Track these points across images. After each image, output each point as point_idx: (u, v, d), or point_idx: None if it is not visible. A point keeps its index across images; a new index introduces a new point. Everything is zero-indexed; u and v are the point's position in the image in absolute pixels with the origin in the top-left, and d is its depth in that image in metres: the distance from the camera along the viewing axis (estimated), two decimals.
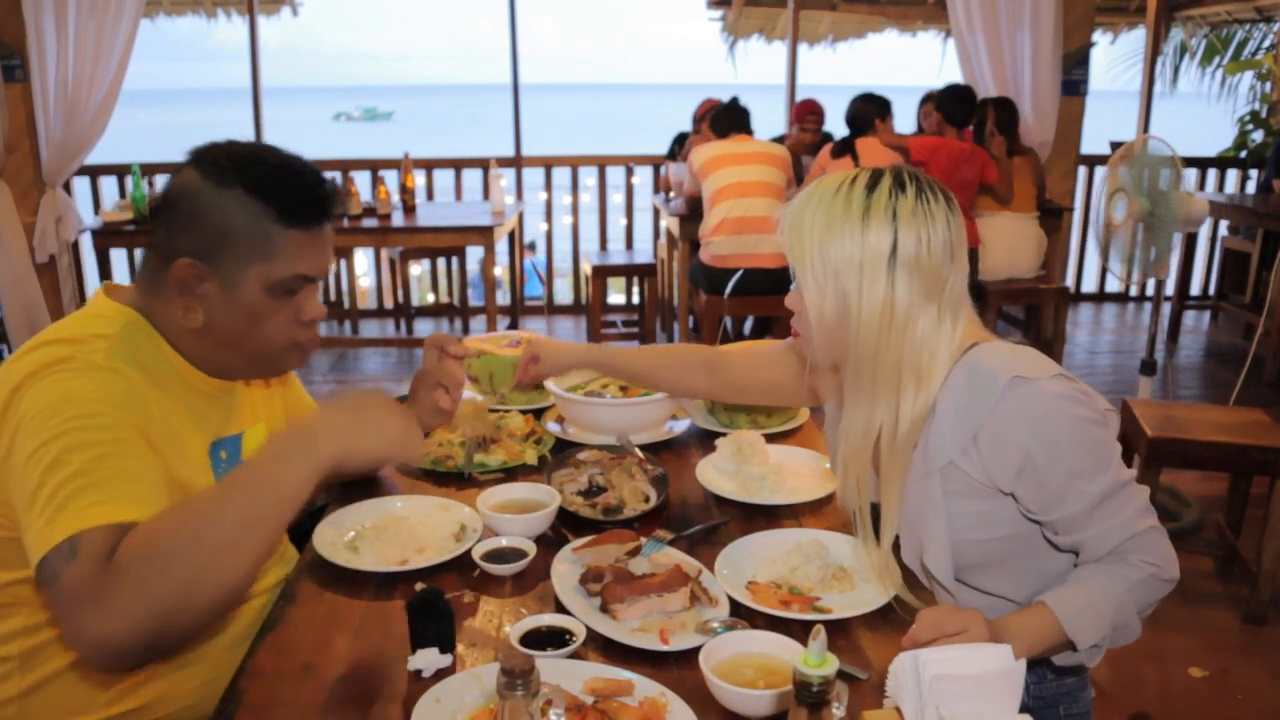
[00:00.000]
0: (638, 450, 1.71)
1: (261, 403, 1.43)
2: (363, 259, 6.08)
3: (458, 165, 6.00)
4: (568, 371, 1.74)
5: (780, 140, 5.13)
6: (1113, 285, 6.37)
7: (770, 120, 4.57)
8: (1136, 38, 7.89)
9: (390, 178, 5.20)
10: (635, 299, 5.87)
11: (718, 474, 1.65)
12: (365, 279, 6.19)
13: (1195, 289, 6.17)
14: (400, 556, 1.38)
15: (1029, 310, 5.09)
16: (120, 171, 5.48)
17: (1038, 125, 5.28)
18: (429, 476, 1.70)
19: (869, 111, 4.40)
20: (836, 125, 5.20)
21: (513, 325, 5.79)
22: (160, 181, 4.99)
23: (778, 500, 1.57)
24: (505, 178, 5.14)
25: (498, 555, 1.39)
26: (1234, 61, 7.88)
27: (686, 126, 5.46)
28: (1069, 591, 1.18)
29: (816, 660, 0.84)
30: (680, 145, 5.39)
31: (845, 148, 4.39)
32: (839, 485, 1.37)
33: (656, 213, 5.78)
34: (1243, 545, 2.91)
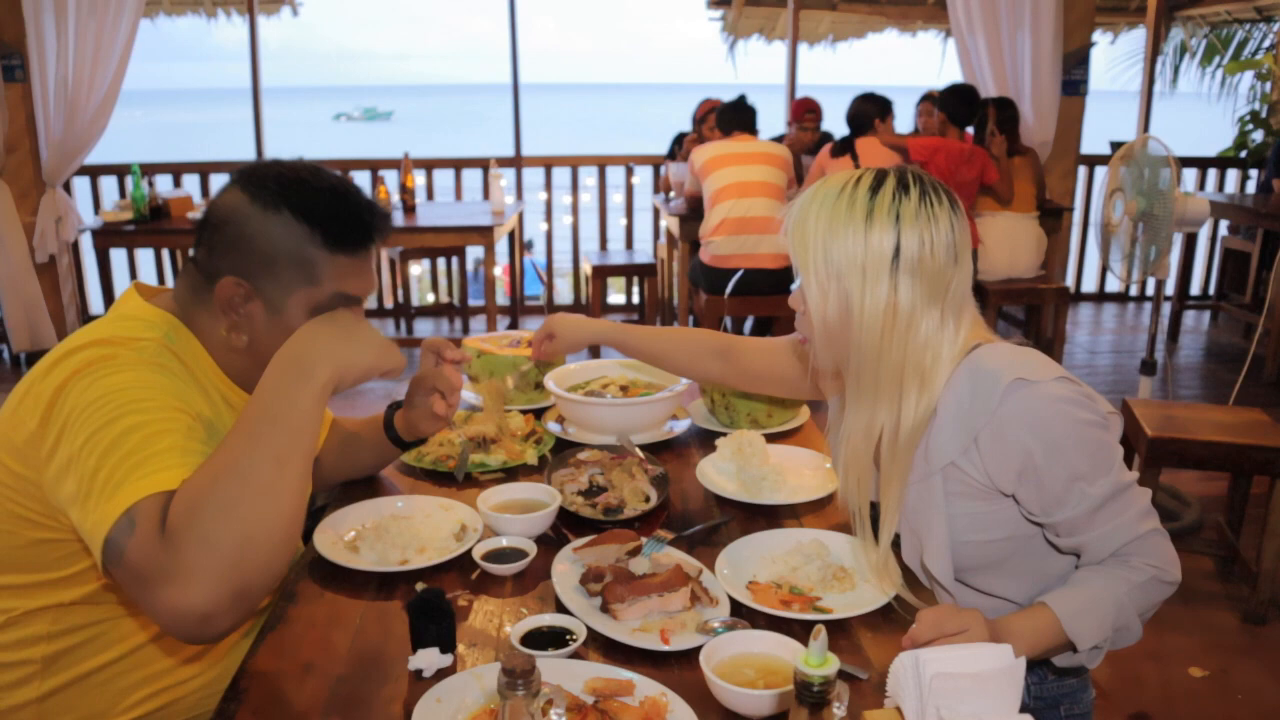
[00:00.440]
0: (638, 450, 1.71)
1: None
2: None
3: (458, 165, 6.01)
4: (583, 348, 1.74)
5: (780, 140, 5.13)
6: (1113, 285, 6.37)
7: (770, 120, 4.57)
8: (1136, 38, 7.89)
9: (390, 178, 5.21)
10: (635, 299, 5.87)
11: (718, 474, 1.65)
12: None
13: (1195, 289, 6.18)
14: (400, 556, 1.38)
15: (1029, 310, 5.09)
16: (120, 171, 5.48)
17: (1038, 125, 5.28)
18: (429, 476, 1.70)
19: (869, 111, 4.40)
20: (836, 125, 5.20)
21: (513, 325, 5.79)
22: (160, 182, 5.00)
23: (778, 500, 1.57)
24: (505, 178, 5.15)
25: (498, 555, 1.39)
26: (1234, 61, 7.88)
27: (686, 126, 5.46)
28: (1070, 592, 1.18)
29: (817, 660, 0.84)
30: (680, 145, 5.40)
31: (845, 147, 4.39)
32: (840, 484, 1.37)
33: (656, 213, 5.78)
34: (1243, 545, 2.91)
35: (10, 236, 4.79)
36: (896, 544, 1.31)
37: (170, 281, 5.62)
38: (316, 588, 1.33)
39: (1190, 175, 6.26)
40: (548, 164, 6.00)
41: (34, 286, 4.90)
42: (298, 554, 1.46)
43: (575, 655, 1.16)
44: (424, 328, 5.94)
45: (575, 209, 6.01)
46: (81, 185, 5.49)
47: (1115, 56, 8.50)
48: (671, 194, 5.18)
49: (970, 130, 4.71)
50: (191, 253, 1.26)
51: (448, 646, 1.16)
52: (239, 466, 1.02)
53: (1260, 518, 2.74)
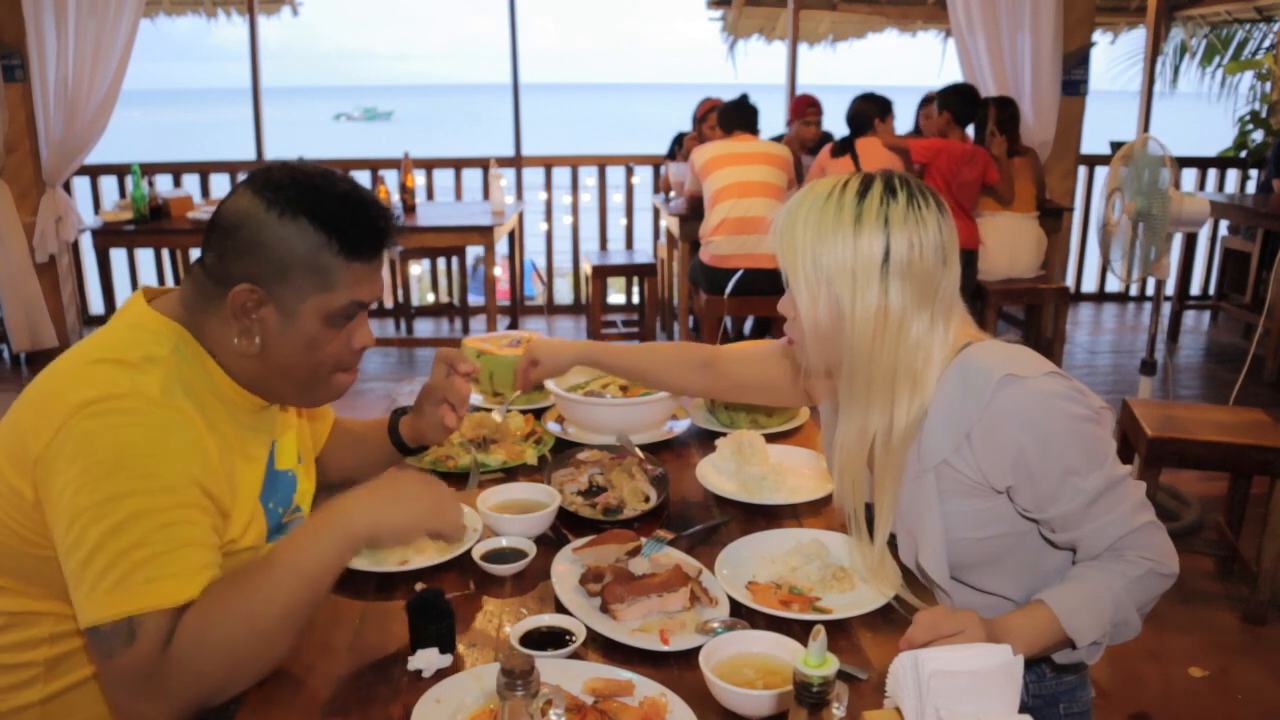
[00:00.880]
0: (638, 450, 1.71)
1: (290, 408, 1.41)
2: None
3: (458, 165, 6.01)
4: (567, 371, 1.74)
5: (780, 139, 5.13)
6: (1113, 285, 6.37)
7: (770, 120, 4.57)
8: (1136, 38, 7.89)
9: (390, 177, 5.21)
10: (635, 299, 5.87)
11: (718, 474, 1.65)
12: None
13: (1195, 289, 6.18)
14: (400, 556, 1.38)
15: (1029, 310, 5.09)
16: (120, 171, 5.48)
17: (1038, 125, 5.28)
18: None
19: (869, 111, 4.39)
20: (836, 125, 5.19)
21: (513, 325, 5.79)
22: (160, 182, 5.01)
23: (778, 500, 1.57)
24: (505, 177, 5.15)
25: (498, 555, 1.39)
26: (1234, 61, 7.88)
27: (686, 126, 5.46)
28: (1067, 589, 1.18)
29: (816, 660, 0.84)
30: (680, 145, 5.39)
31: (845, 148, 4.39)
32: (835, 486, 1.37)
33: (656, 213, 5.78)
34: (1243, 545, 2.91)
35: (10, 236, 4.79)
36: (894, 543, 1.31)
37: (171, 281, 5.62)
38: None
39: (1190, 175, 6.26)
40: (548, 164, 6.00)
41: (34, 286, 4.90)
42: None
43: (575, 655, 1.16)
44: (424, 327, 5.94)
45: (575, 209, 6.01)
46: (81, 185, 5.49)
47: (1115, 56, 8.51)
48: (671, 194, 5.18)
49: (970, 130, 4.71)
50: (197, 257, 1.23)
51: (447, 647, 1.16)
52: (253, 609, 1.06)
53: (1260, 518, 2.74)
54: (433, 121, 42.67)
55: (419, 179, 5.65)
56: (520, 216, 5.57)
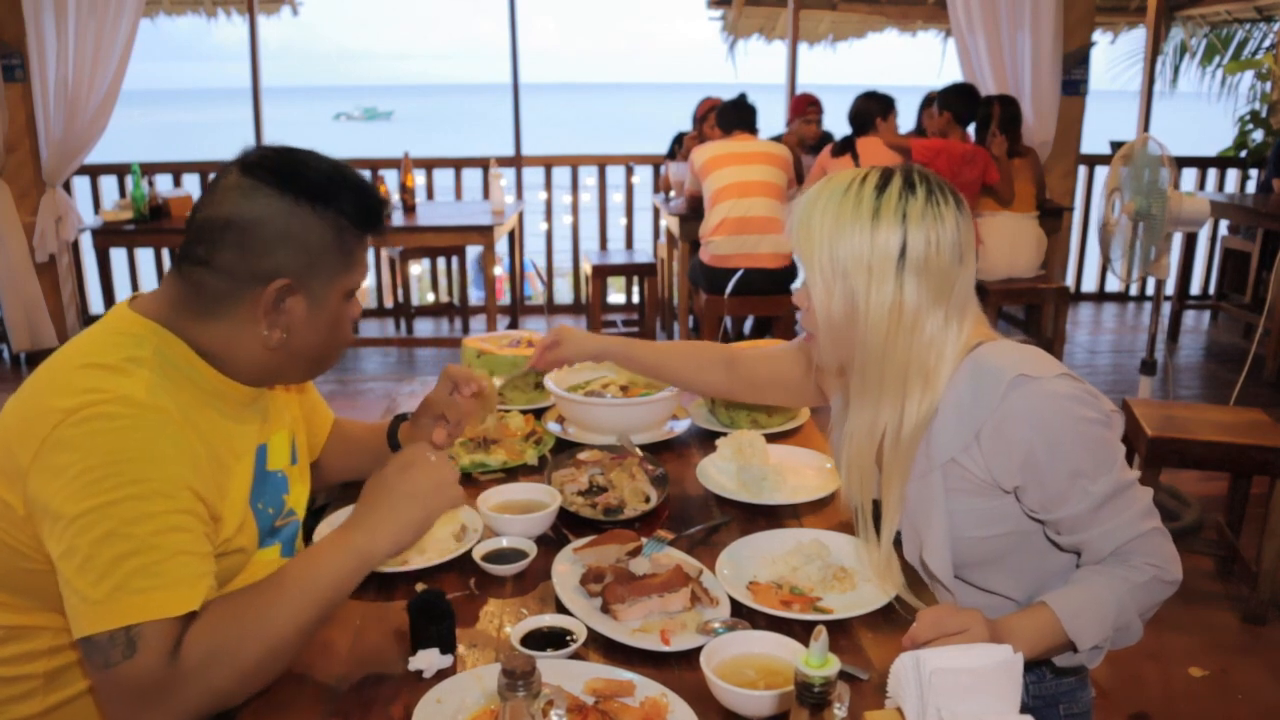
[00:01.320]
0: (638, 450, 1.71)
1: (283, 409, 1.40)
2: None
3: (458, 165, 6.01)
4: (586, 360, 1.73)
5: (780, 139, 5.13)
6: (1113, 285, 6.37)
7: (770, 120, 4.57)
8: (1136, 38, 7.89)
9: (390, 177, 5.20)
10: (635, 299, 5.87)
11: (718, 474, 1.65)
12: (365, 279, 6.19)
13: (1195, 289, 6.17)
14: (401, 556, 1.38)
15: (1029, 310, 5.09)
16: (120, 171, 5.47)
17: (1038, 125, 5.28)
18: None
19: (871, 110, 4.39)
20: (836, 125, 5.19)
21: (513, 325, 5.79)
22: (160, 181, 5.00)
23: (778, 500, 1.57)
24: (505, 177, 5.14)
25: (498, 556, 1.39)
26: (1234, 61, 7.88)
27: (686, 126, 5.46)
28: (1071, 592, 1.18)
29: (818, 661, 0.84)
30: (680, 145, 5.39)
31: (846, 147, 4.39)
32: (842, 483, 1.36)
33: (656, 213, 5.78)
34: (1243, 545, 2.91)
35: (10, 236, 4.78)
36: (898, 542, 1.31)
37: None
38: None
39: (1190, 175, 6.26)
40: (548, 164, 6.00)
41: (34, 286, 4.89)
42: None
43: (575, 656, 1.16)
44: (424, 327, 5.93)
45: (575, 209, 6.01)
46: (81, 185, 5.48)
47: (1115, 56, 8.51)
48: (671, 194, 5.18)
49: (971, 129, 4.71)
50: (188, 258, 1.18)
51: (448, 647, 1.16)
52: (261, 625, 1.07)
53: (1260, 518, 2.74)
54: (433, 121, 42.66)
55: (419, 179, 5.65)
56: (520, 216, 5.57)
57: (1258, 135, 6.52)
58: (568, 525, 1.51)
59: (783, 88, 6.08)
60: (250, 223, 1.15)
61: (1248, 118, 6.65)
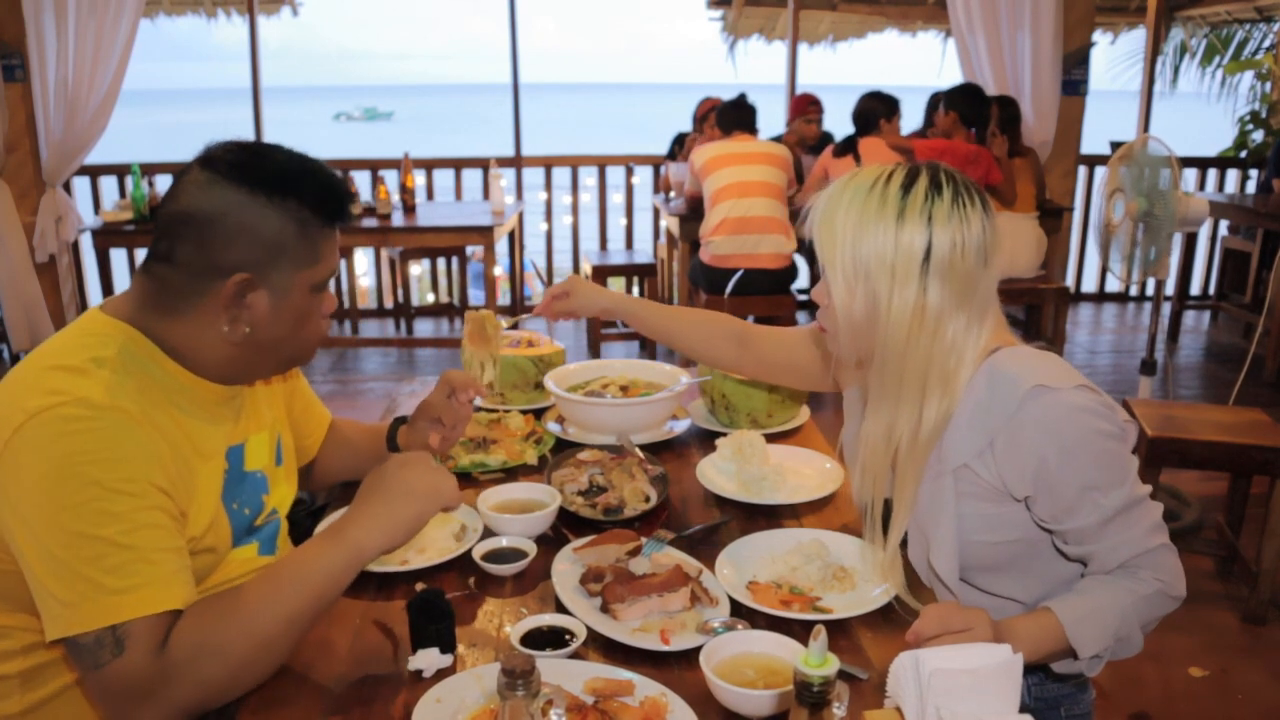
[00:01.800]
0: (638, 450, 1.71)
1: (264, 409, 1.39)
2: (363, 259, 6.09)
3: (458, 165, 6.00)
4: (594, 313, 1.72)
5: (780, 139, 5.13)
6: (1113, 285, 6.37)
7: (770, 120, 4.57)
8: (1136, 38, 7.89)
9: (390, 177, 5.20)
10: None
11: (718, 474, 1.65)
12: (365, 279, 6.20)
13: (1195, 289, 6.18)
14: (400, 556, 1.38)
15: (1029, 310, 5.09)
16: (120, 171, 5.48)
17: (1038, 125, 5.28)
18: None
19: (875, 109, 4.39)
20: (836, 125, 5.19)
21: (513, 326, 5.78)
22: (161, 181, 5.00)
23: (778, 500, 1.57)
24: (505, 178, 5.14)
25: (498, 555, 1.39)
26: (1234, 61, 7.88)
27: (686, 126, 5.46)
28: (1075, 599, 1.18)
29: (817, 660, 0.84)
30: (680, 145, 5.39)
31: (848, 147, 4.39)
32: (854, 482, 1.36)
33: (656, 213, 5.79)
34: (1243, 545, 2.91)
35: (10, 236, 4.78)
36: (904, 543, 1.30)
37: None
38: None
39: (1190, 175, 6.26)
40: (548, 164, 6.00)
41: (34, 286, 4.89)
42: None
43: (575, 655, 1.16)
44: (424, 327, 5.93)
45: (575, 209, 6.01)
46: (81, 185, 5.48)
47: (1115, 56, 8.51)
48: (671, 194, 5.18)
49: (972, 130, 4.71)
50: (152, 255, 1.18)
51: (448, 647, 1.16)
52: (252, 618, 1.07)
53: (1260, 518, 2.74)
54: (433, 121, 42.66)
55: (419, 179, 5.65)
56: (520, 216, 5.57)
57: (1258, 135, 6.52)
58: (567, 525, 1.51)
59: (783, 88, 6.08)
60: (208, 216, 1.14)
61: (1248, 118, 6.65)
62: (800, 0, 6.27)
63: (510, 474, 1.71)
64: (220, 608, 1.07)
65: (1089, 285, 6.42)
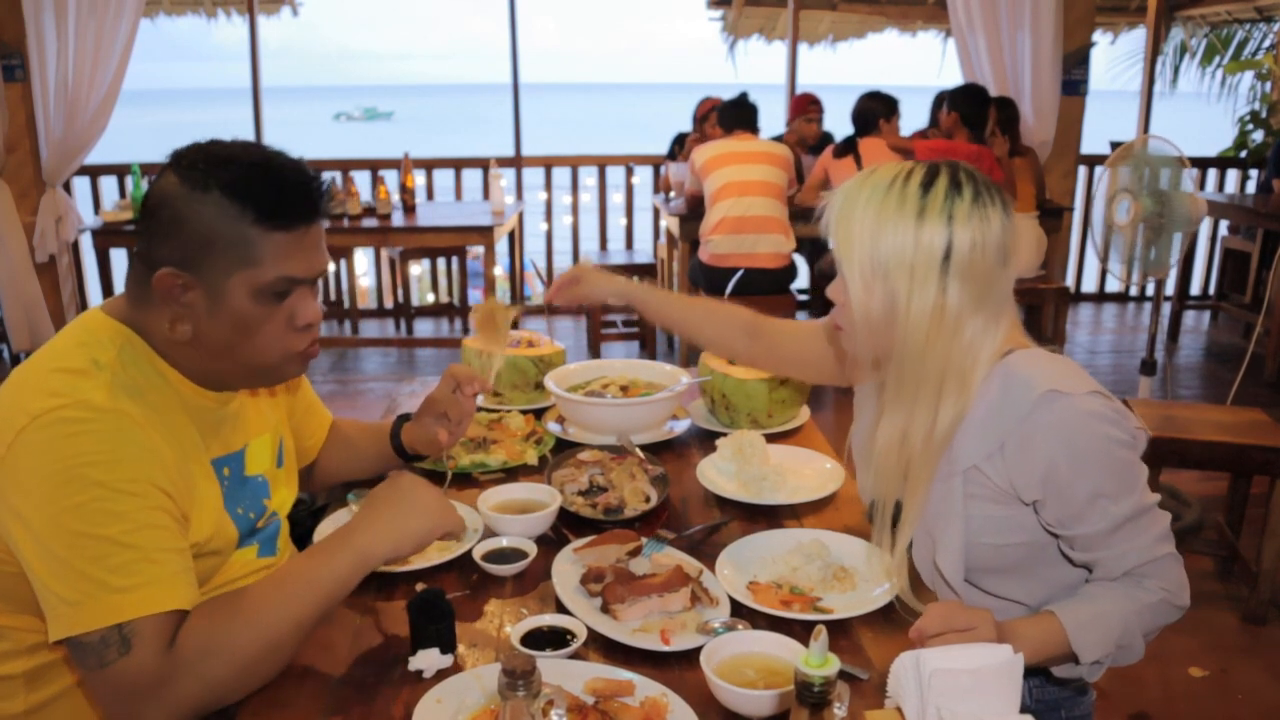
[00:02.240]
0: (638, 450, 1.71)
1: (267, 411, 1.38)
2: (363, 259, 6.09)
3: (458, 165, 6.01)
4: (603, 299, 1.69)
5: (780, 139, 5.13)
6: (1113, 285, 6.37)
7: (770, 120, 4.57)
8: (1136, 38, 7.89)
9: (390, 177, 5.20)
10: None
11: (718, 474, 1.65)
12: (365, 279, 6.20)
13: (1195, 289, 6.18)
14: None
15: (1029, 310, 5.08)
16: (120, 171, 5.48)
17: (1038, 125, 5.28)
18: (429, 477, 1.70)
19: (875, 110, 4.38)
20: (836, 125, 5.18)
21: (513, 325, 5.78)
22: None
23: (778, 500, 1.57)
24: (505, 178, 5.14)
25: (498, 556, 1.39)
26: (1234, 61, 7.88)
27: (686, 126, 5.46)
28: (1079, 605, 1.17)
29: (818, 660, 0.84)
30: (680, 145, 5.39)
31: (848, 148, 4.39)
32: (860, 478, 1.35)
33: (656, 213, 5.79)
34: (1243, 545, 2.91)
35: (10, 236, 4.78)
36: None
37: None
38: None
39: (1190, 175, 6.25)
40: (548, 164, 6.00)
41: (34, 286, 4.89)
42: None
43: (575, 656, 1.16)
44: (424, 327, 5.93)
45: (575, 209, 6.01)
46: (81, 185, 5.48)
47: (1115, 56, 8.51)
48: (671, 194, 5.18)
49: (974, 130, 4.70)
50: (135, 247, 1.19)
51: (448, 647, 1.16)
52: (259, 619, 1.07)
53: (1260, 518, 2.74)
54: (433, 121, 42.65)
55: (419, 179, 5.65)
56: (520, 216, 5.57)
57: (1258, 135, 6.53)
58: (568, 525, 1.51)
59: (783, 88, 6.08)
60: (152, 207, 1.14)
61: (1248, 118, 6.65)
62: (800, 0, 6.27)
63: (510, 474, 1.71)
64: (228, 608, 1.08)
65: (1089, 285, 6.42)
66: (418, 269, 6.00)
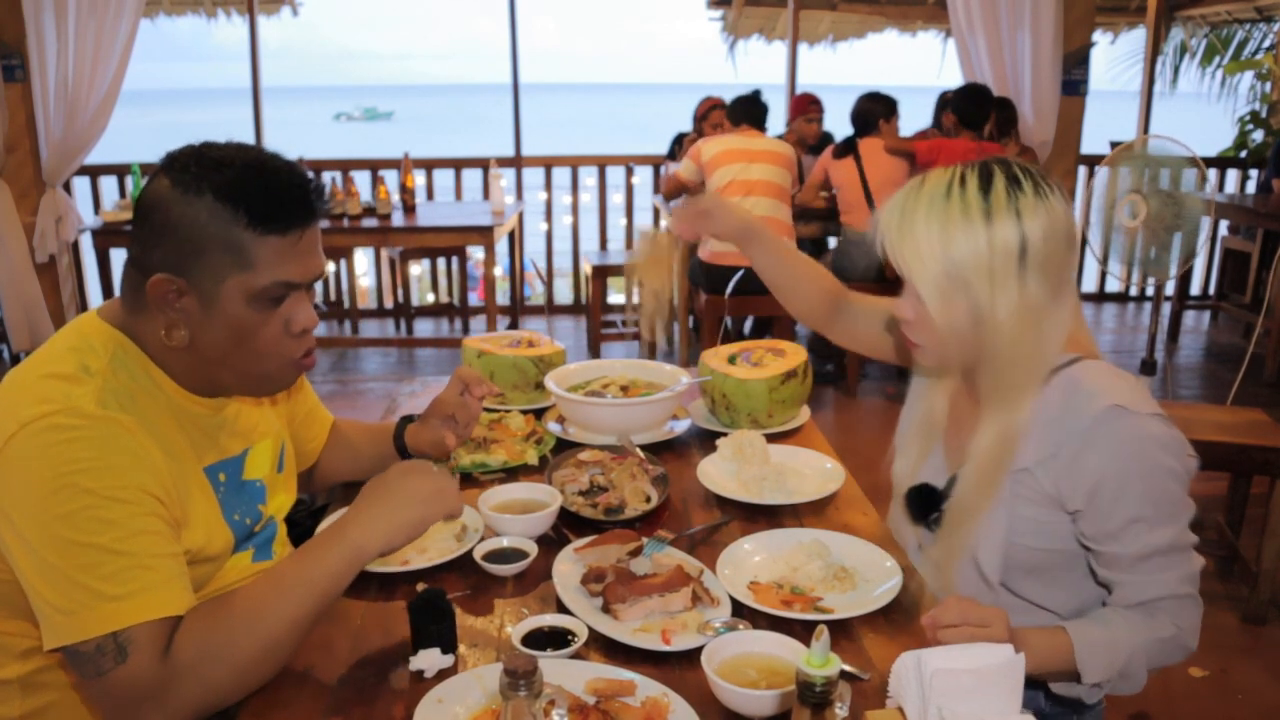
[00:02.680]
0: (639, 450, 1.71)
1: (270, 416, 1.38)
2: (363, 259, 6.09)
3: (458, 165, 6.01)
4: (732, 235, 1.61)
5: (780, 139, 5.13)
6: (1113, 285, 6.37)
7: (770, 120, 4.57)
8: (1136, 38, 7.89)
9: (390, 177, 5.20)
10: (635, 299, 5.86)
11: (719, 474, 1.65)
12: (365, 279, 6.20)
13: (1195, 289, 6.18)
14: (401, 557, 1.38)
15: None
16: (120, 171, 5.48)
17: (1038, 125, 5.27)
18: None
19: (875, 110, 4.38)
20: (837, 125, 5.18)
21: (513, 325, 5.79)
22: None
23: (779, 500, 1.56)
24: (505, 178, 5.15)
25: (499, 556, 1.39)
26: (1234, 61, 7.88)
27: (686, 126, 5.46)
28: (1092, 626, 1.18)
29: (819, 660, 0.84)
30: (680, 145, 5.39)
31: (848, 149, 4.38)
32: (898, 466, 1.35)
33: (656, 213, 5.79)
34: (1243, 545, 2.91)
35: (10, 236, 4.78)
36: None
37: None
38: None
39: (1190, 175, 6.26)
40: (548, 164, 6.00)
41: (34, 286, 4.89)
42: None
43: (576, 656, 1.16)
44: (424, 328, 5.93)
45: (575, 209, 6.01)
46: (81, 185, 5.48)
47: (1115, 56, 8.51)
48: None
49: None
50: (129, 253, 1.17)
51: (449, 647, 1.16)
52: (256, 620, 1.06)
53: (1260, 518, 2.74)
54: (433, 121, 42.65)
55: (419, 179, 5.65)
56: (520, 216, 5.57)
57: (1258, 135, 6.53)
58: (568, 525, 1.51)
59: (783, 88, 6.08)
60: (144, 211, 1.13)
61: (1248, 118, 6.66)
62: (800, 0, 6.27)
63: (511, 474, 1.71)
64: (223, 611, 1.07)
65: (1089, 285, 6.42)
66: (418, 269, 6.00)
